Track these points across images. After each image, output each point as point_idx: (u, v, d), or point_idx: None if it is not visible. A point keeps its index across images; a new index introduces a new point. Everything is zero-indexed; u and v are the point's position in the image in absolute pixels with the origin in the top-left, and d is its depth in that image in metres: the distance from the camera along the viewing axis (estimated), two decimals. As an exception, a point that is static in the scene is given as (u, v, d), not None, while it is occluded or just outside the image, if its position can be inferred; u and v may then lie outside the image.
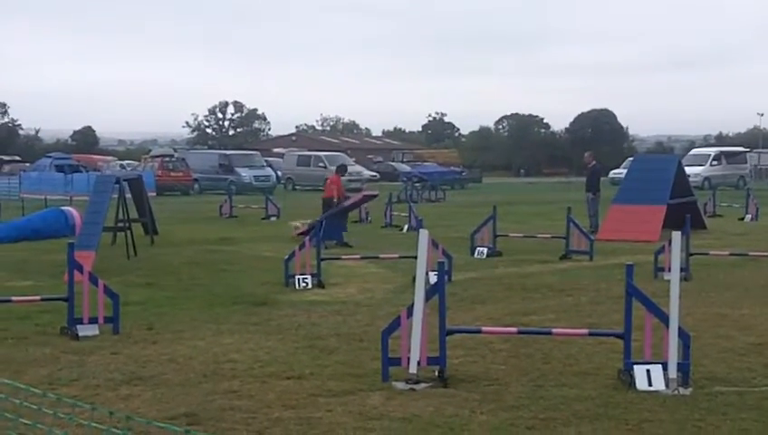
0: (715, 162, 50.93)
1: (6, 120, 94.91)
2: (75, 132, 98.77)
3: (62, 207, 23.48)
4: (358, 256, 16.10)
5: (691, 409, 6.99)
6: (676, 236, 8.15)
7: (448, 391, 7.52)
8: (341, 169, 23.69)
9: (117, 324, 10.04)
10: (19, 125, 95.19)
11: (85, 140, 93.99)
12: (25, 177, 48.09)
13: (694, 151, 57.80)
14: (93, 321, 9.92)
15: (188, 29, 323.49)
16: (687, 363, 7.61)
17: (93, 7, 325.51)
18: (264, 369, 8.39)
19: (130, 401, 7.31)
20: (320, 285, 13.59)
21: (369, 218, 26.79)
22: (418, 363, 7.74)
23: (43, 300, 10.76)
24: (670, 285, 7.73)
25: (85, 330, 9.83)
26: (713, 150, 55.36)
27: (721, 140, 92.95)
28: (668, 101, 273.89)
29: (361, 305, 12.00)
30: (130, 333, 9.99)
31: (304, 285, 13.49)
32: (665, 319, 7.59)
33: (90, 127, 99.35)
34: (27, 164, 59.66)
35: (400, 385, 7.66)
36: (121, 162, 62.68)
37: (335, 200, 21.25)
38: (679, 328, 7.58)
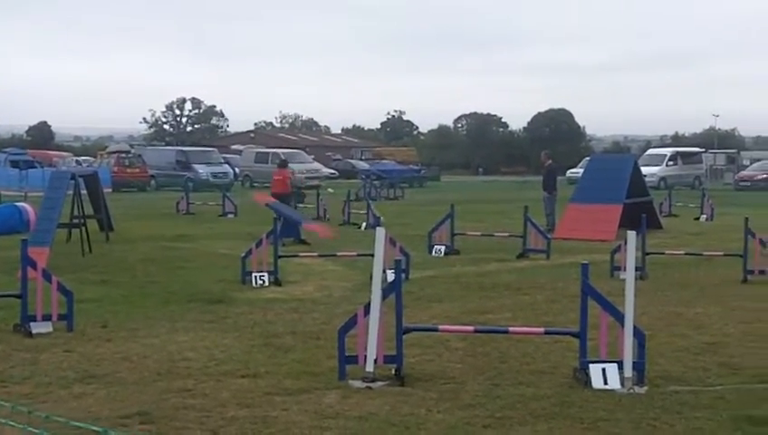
0: (671, 162, 51.51)
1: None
2: (30, 128, 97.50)
3: (17, 203, 23.14)
4: (315, 254, 16.04)
5: (646, 407, 7.04)
6: (632, 235, 8.22)
7: (405, 390, 7.51)
8: (284, 164, 24.11)
9: (71, 322, 9.90)
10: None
11: (41, 135, 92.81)
12: (-21, 172, 47.30)
13: (650, 151, 58.45)
14: (47, 318, 9.78)
15: (147, 24, 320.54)
16: (642, 362, 7.67)
17: (51, 1, 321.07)
18: (220, 367, 8.32)
19: (83, 400, 7.20)
20: (277, 282, 13.52)
21: (328, 216, 26.74)
22: (375, 362, 7.72)
23: (-6, 297, 10.56)
24: (625, 284, 7.79)
25: (38, 327, 9.68)
26: (669, 151, 56.00)
27: (677, 140, 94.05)
28: (625, 102, 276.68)
29: (318, 303, 11.96)
30: (84, 331, 9.85)
31: (261, 282, 13.41)
32: (620, 318, 7.64)
33: (45, 122, 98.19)
34: (-20, 159, 58.75)
35: (357, 384, 7.63)
36: (77, 158, 61.90)
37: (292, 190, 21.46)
38: (634, 327, 7.63)
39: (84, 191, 19.78)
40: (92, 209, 20.54)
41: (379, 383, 7.62)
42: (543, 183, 23.73)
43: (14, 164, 49.36)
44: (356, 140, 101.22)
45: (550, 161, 23.91)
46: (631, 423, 6.65)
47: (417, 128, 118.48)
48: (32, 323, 9.68)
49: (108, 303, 11.80)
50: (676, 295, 12.60)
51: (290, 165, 26.03)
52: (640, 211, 17.61)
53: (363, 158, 73.05)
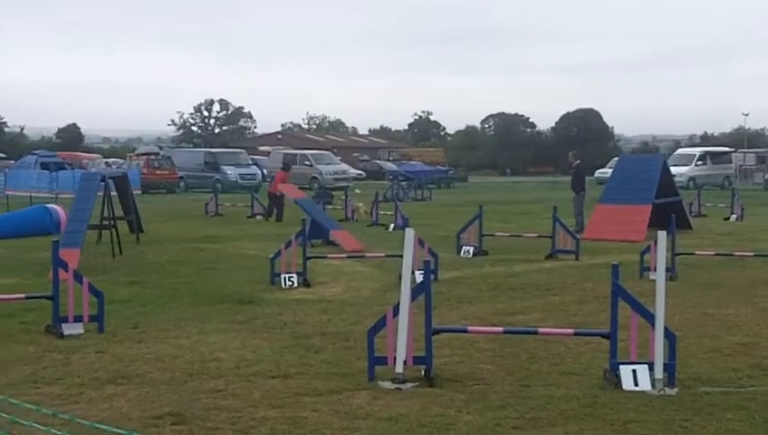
0: (700, 162, 51.15)
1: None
2: (60, 130, 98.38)
3: (47, 205, 23.36)
4: (344, 255, 16.07)
5: (677, 409, 6.99)
6: (662, 235, 8.17)
7: (434, 391, 7.50)
8: (287, 167, 26.15)
9: (102, 323, 9.99)
10: (4, 123, 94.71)
11: (70, 137, 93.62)
12: (10, 174, 47.86)
13: (679, 151, 58.07)
14: (78, 319, 9.86)
15: (175, 27, 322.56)
16: (673, 364, 7.61)
17: (79, 4, 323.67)
18: (250, 368, 8.36)
19: (115, 401, 7.25)
20: (306, 283, 13.56)
21: (356, 217, 26.78)
22: (404, 363, 7.72)
23: (27, 298, 10.66)
24: (656, 285, 7.74)
25: (70, 328, 9.77)
26: (698, 150, 55.62)
27: (706, 139, 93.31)
28: (654, 101, 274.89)
29: (347, 304, 11.97)
30: (115, 332, 9.93)
31: (290, 283, 13.45)
32: (651, 319, 7.60)
33: (75, 124, 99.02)
34: (12, 162, 59.40)
35: (386, 385, 7.64)
36: (107, 160, 62.40)
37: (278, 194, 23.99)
38: (665, 328, 7.59)
39: (114, 193, 19.93)
40: (122, 211, 20.71)
41: (409, 384, 7.63)
42: (572, 183, 23.67)
43: (45, 166, 49.87)
44: (383, 141, 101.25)
45: (578, 161, 23.82)
46: (662, 425, 6.61)
47: (445, 129, 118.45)
48: (63, 325, 9.76)
49: (138, 304, 11.89)
50: (706, 296, 12.50)
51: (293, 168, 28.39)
52: (670, 211, 17.50)
53: (391, 159, 73.08)
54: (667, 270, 10.75)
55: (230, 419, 6.74)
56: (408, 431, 6.46)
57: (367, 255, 15.83)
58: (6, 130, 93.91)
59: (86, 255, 15.55)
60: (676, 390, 7.49)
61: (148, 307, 11.64)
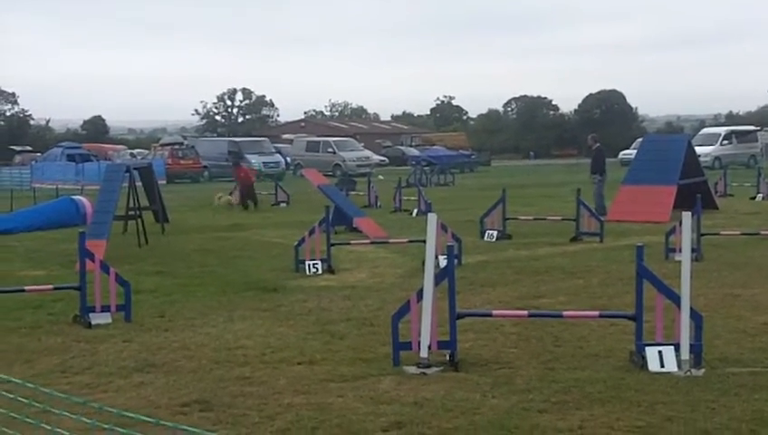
0: (725, 141, 50.64)
1: (17, 110, 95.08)
2: (85, 122, 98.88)
3: (74, 197, 23.55)
4: (367, 241, 16.09)
5: (704, 390, 6.97)
6: (687, 216, 8.12)
7: (459, 375, 7.52)
8: (236, 162, 28.53)
9: (129, 312, 10.08)
10: (30, 115, 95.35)
11: (95, 129, 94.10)
12: (37, 166, 48.24)
13: (704, 131, 57.51)
14: (105, 309, 9.96)
15: (196, 16, 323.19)
16: (699, 344, 7.58)
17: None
18: (276, 355, 8.41)
19: (143, 389, 7.33)
20: (330, 270, 13.60)
21: (379, 203, 26.80)
22: (429, 348, 7.74)
23: (55, 289, 10.78)
24: (681, 266, 7.70)
25: (98, 318, 9.87)
26: (723, 130, 55.03)
27: (731, 118, 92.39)
28: (678, 81, 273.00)
29: (371, 290, 12.00)
30: (142, 321, 10.02)
31: (314, 270, 13.50)
32: (676, 300, 7.56)
33: (99, 116, 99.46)
34: (38, 154, 59.86)
35: (411, 369, 7.66)
36: (131, 151, 62.75)
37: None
38: (691, 309, 7.55)
39: (139, 183, 20.05)
40: (148, 201, 20.84)
41: (434, 369, 7.65)
42: (592, 166, 23.45)
43: (71, 158, 50.23)
44: (405, 127, 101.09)
45: (597, 144, 23.57)
46: (689, 406, 6.59)
47: (467, 113, 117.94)
48: (91, 314, 9.87)
49: (164, 293, 11.98)
50: (732, 276, 12.42)
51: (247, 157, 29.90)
52: (695, 192, 17.36)
53: (413, 144, 72.96)
54: (693, 251, 10.71)
55: (257, 405, 6.79)
56: (433, 416, 6.48)
57: (390, 241, 15.85)
58: (32, 122, 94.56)
59: (112, 245, 15.67)
60: (702, 371, 7.46)
61: (174, 296, 11.73)
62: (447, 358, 7.78)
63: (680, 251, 8.67)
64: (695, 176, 22.21)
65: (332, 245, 13.98)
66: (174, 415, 6.51)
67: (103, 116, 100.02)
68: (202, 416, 6.57)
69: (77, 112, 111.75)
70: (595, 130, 32.40)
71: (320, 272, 13.49)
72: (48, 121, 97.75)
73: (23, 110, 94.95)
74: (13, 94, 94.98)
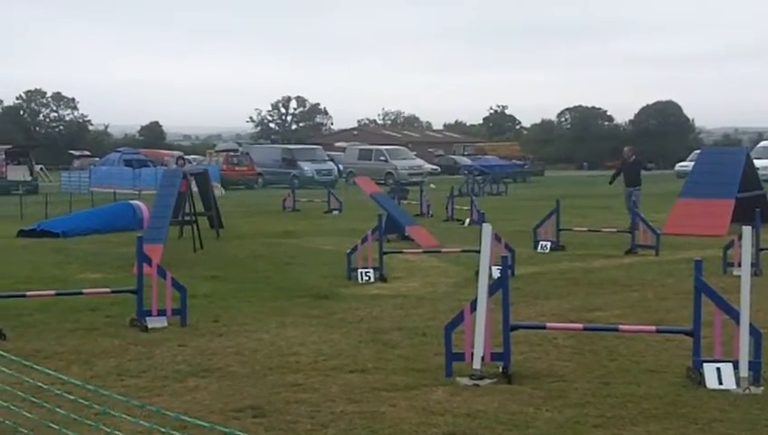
0: (785, 155, 49.65)
1: (77, 115, 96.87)
2: (143, 127, 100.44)
3: (131, 201, 23.90)
4: (420, 250, 16.07)
5: (763, 408, 6.83)
6: (747, 230, 7.99)
7: (512, 388, 7.46)
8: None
9: (184, 317, 10.18)
10: (89, 121, 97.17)
11: (152, 135, 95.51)
12: (95, 171, 49.01)
13: (763, 143, 56.46)
14: (162, 313, 10.07)
15: (253, 24, 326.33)
16: (759, 362, 7.44)
17: (164, 4, 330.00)
18: (328, 362, 8.43)
19: (197, 393, 7.39)
20: (382, 278, 13.61)
21: (431, 212, 26.77)
22: (482, 359, 7.70)
23: (113, 292, 10.95)
24: (740, 281, 7.57)
25: (154, 322, 9.98)
26: (783, 142, 54.03)
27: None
28: (736, 93, 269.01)
29: (424, 299, 11.98)
30: (197, 326, 10.12)
31: (367, 278, 13.52)
32: (735, 316, 7.43)
33: (157, 122, 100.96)
34: (97, 159, 60.86)
35: (464, 381, 7.63)
36: (187, 157, 63.46)
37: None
38: (750, 325, 7.41)
39: (195, 189, 20.28)
40: (203, 207, 21.06)
41: (487, 381, 7.60)
42: (627, 179, 22.39)
43: (128, 163, 50.95)
44: (458, 136, 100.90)
45: (634, 156, 22.92)
46: (747, 424, 6.47)
47: (520, 122, 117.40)
48: (147, 318, 9.98)
49: (219, 298, 12.08)
50: (792, 293, 12.15)
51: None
52: (754, 205, 17.07)
53: (465, 153, 72.80)
54: (752, 265, 10.51)
55: (309, 412, 6.81)
56: (486, 428, 6.44)
57: (443, 250, 15.81)
58: (91, 128, 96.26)
59: (168, 250, 15.85)
60: (761, 388, 7.31)
61: (228, 301, 11.82)
62: (500, 370, 7.73)
63: (739, 265, 8.54)
64: (753, 189, 21.85)
65: (385, 253, 13.99)
66: (227, 420, 6.56)
67: (160, 122, 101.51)
68: (255, 422, 6.60)
69: (135, 118, 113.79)
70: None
71: (372, 280, 13.50)
72: (106, 127, 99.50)
73: (82, 115, 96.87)
74: (72, 100, 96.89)
